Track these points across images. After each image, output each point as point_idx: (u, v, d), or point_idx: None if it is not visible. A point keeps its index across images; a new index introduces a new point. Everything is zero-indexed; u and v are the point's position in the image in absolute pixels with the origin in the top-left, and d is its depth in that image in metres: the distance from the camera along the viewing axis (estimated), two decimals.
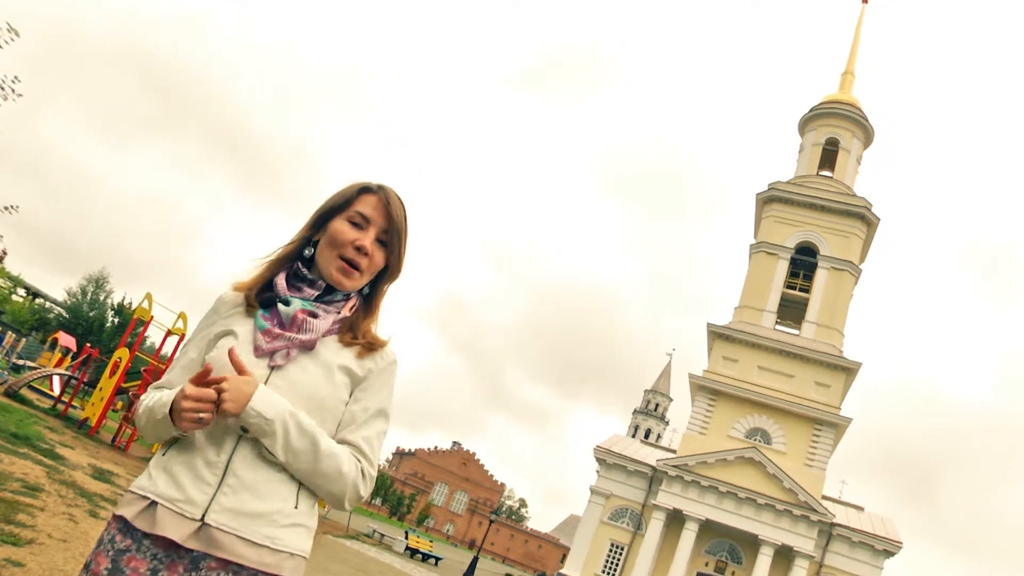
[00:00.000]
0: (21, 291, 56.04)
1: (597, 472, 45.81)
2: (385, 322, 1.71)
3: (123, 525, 1.44)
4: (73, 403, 20.36)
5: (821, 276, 47.01)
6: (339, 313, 1.63)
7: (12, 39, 6.94)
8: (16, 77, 7.03)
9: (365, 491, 1.58)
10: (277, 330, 1.56)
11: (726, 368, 45.01)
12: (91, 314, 48.30)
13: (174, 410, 1.43)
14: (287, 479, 1.49)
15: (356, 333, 1.64)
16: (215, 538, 1.39)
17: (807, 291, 46.75)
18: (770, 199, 49.71)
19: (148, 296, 19.18)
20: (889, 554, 38.52)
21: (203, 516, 1.40)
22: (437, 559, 27.48)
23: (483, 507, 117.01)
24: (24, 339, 33.26)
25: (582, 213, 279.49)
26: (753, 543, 39.53)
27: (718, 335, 46.15)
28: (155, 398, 1.54)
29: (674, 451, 45.34)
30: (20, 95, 7.07)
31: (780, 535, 38.74)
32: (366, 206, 1.63)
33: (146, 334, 21.54)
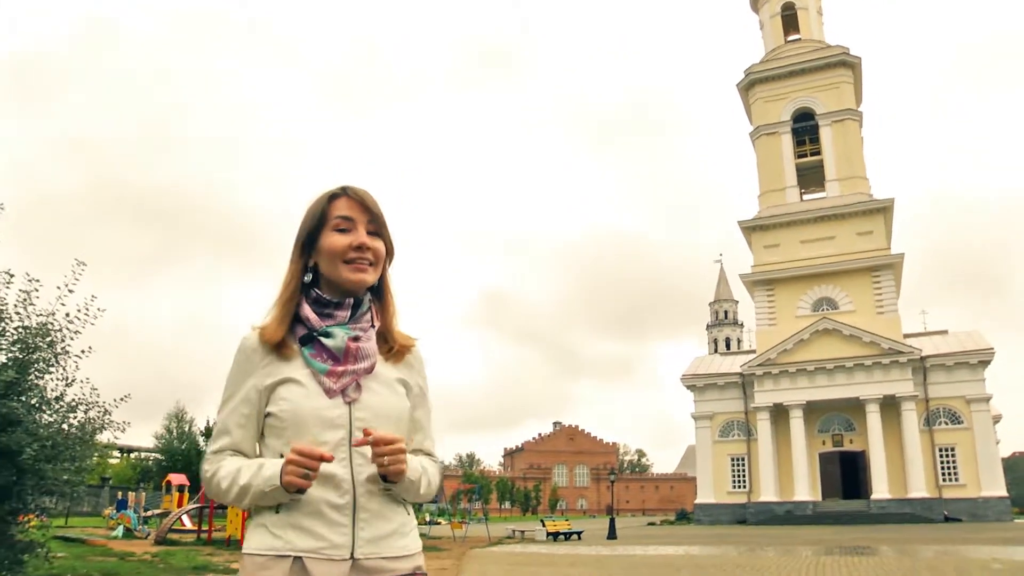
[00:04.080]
0: (115, 452, 58.87)
1: (693, 399, 47.06)
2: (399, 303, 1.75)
3: None
4: (213, 528, 22.27)
5: (826, 134, 46.77)
6: (373, 325, 1.67)
7: (83, 271, 7.90)
8: (93, 295, 7.83)
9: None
10: (339, 368, 1.58)
11: (771, 255, 45.40)
12: (183, 447, 50.63)
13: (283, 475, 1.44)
14: (398, 495, 1.62)
15: (389, 340, 1.70)
16: (367, 567, 1.52)
17: (818, 154, 46.72)
18: (751, 84, 49.78)
19: None
20: (985, 363, 38.62)
21: (352, 554, 1.51)
22: (579, 534, 28.90)
23: (605, 472, 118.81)
24: (142, 492, 35.51)
25: (571, 172, 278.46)
26: (858, 406, 40.13)
27: (752, 228, 46.62)
28: (237, 467, 1.54)
29: (755, 351, 46.09)
30: (103, 310, 7.92)
31: (879, 388, 39.26)
32: (342, 209, 1.64)
33: None
